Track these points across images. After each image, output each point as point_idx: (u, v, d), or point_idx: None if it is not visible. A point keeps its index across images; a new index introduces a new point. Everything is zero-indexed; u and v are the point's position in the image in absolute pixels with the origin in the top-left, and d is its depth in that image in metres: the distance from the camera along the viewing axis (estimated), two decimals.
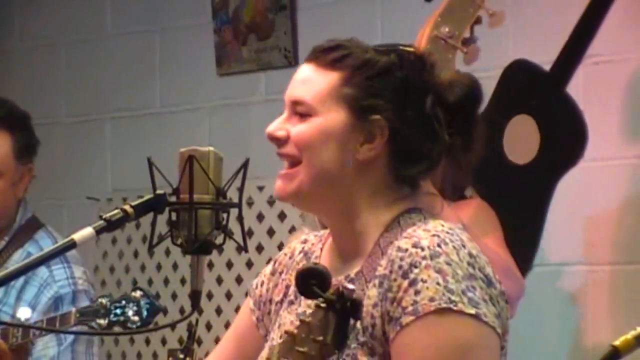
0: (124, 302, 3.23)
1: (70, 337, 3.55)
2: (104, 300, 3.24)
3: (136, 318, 3.13)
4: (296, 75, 2.41)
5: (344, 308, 2.00)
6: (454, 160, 2.54)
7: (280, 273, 2.54)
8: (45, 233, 3.68)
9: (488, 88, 4.08)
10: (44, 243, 3.62)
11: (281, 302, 2.49)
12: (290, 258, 2.53)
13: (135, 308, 3.19)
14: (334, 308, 2.00)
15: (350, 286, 2.13)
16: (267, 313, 2.53)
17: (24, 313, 3.41)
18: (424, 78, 2.39)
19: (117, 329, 3.30)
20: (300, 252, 2.52)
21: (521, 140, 4.13)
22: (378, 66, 2.36)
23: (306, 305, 2.39)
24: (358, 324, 2.22)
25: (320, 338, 1.99)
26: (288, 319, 2.43)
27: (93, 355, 3.64)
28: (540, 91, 4.11)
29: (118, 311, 3.20)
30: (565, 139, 4.05)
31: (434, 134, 2.38)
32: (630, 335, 2.59)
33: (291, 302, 2.46)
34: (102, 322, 3.24)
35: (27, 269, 2.88)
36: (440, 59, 3.16)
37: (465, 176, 3.27)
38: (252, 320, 2.56)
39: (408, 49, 2.42)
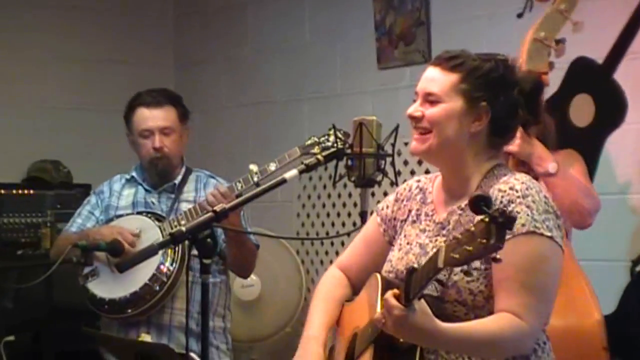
0: (326, 136, 3.19)
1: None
2: (315, 138, 3.22)
3: (333, 144, 3.07)
4: (426, 75, 2.39)
5: (503, 222, 1.92)
6: (527, 131, 2.53)
7: (402, 200, 2.51)
8: (198, 169, 3.78)
9: (558, 75, 4.03)
10: (202, 170, 3.75)
11: (405, 220, 2.47)
12: (409, 191, 2.51)
13: (333, 138, 3.17)
14: (496, 221, 1.92)
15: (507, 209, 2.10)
16: (392, 227, 2.51)
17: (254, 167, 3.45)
18: (512, 76, 2.37)
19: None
20: (416, 188, 2.50)
21: (582, 110, 4.08)
22: (483, 70, 2.34)
23: (425, 225, 2.41)
24: None
25: (484, 241, 1.92)
26: (412, 232, 2.43)
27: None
28: (595, 77, 4.05)
29: (323, 139, 3.19)
30: (611, 109, 4.00)
31: (516, 114, 2.37)
32: None
33: (413, 221, 2.44)
34: (317, 150, 3.26)
35: (250, 199, 2.93)
36: (538, 54, 3.13)
37: (551, 139, 3.27)
38: (380, 230, 2.54)
39: (501, 57, 2.41)
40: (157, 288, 3.45)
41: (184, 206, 3.61)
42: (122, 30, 6.08)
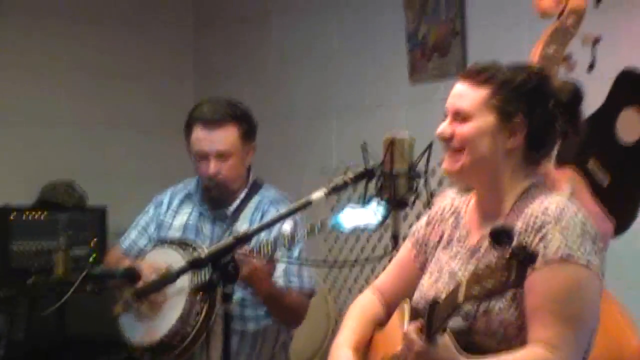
0: (369, 204, 3.17)
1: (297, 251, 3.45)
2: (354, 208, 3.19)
3: (382, 210, 3.08)
4: (454, 91, 2.39)
5: (525, 258, 1.96)
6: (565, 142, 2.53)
7: (434, 224, 2.54)
8: (267, 186, 3.64)
9: (601, 89, 4.03)
10: (269, 192, 3.60)
11: (437, 244, 2.50)
12: (440, 214, 2.54)
13: (378, 207, 3.15)
14: (517, 257, 1.96)
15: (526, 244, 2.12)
16: (423, 252, 2.54)
17: (286, 227, 3.30)
18: (547, 87, 2.38)
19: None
20: (449, 210, 2.53)
21: (630, 126, 4.07)
22: (516, 82, 2.34)
23: (456, 250, 2.43)
24: None
25: (504, 278, 1.97)
26: (443, 258, 2.45)
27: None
28: None
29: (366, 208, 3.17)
30: None
31: (553, 126, 2.37)
32: None
33: (445, 246, 2.47)
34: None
35: (278, 219, 2.94)
36: (548, 70, 3.15)
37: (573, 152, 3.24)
38: (411, 255, 2.58)
39: (534, 67, 2.43)
40: (176, 342, 3.31)
41: None
42: (139, 41, 6.13)
